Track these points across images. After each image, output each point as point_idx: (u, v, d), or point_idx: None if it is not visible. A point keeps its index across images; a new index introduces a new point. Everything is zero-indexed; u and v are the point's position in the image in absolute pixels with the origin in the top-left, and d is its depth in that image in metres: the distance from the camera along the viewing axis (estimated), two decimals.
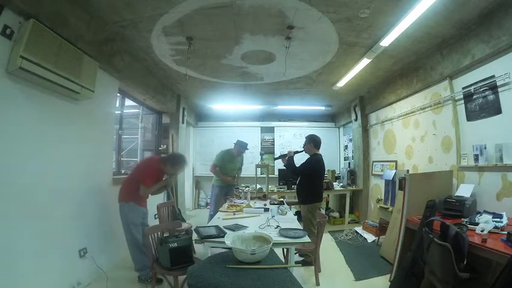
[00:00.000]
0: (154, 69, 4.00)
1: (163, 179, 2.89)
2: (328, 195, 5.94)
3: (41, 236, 2.16)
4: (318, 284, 2.68)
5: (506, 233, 1.77)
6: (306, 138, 3.54)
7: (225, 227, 2.28)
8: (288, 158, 3.45)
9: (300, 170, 3.37)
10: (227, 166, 4.23)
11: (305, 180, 3.37)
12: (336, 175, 6.40)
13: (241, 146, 4.25)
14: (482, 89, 2.68)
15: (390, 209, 4.00)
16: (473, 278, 1.66)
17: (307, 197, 3.32)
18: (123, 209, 2.71)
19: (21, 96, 2.02)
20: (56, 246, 2.30)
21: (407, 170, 3.89)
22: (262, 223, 2.46)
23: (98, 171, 2.96)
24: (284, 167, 3.61)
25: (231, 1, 2.41)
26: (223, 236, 2.02)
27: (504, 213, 2.16)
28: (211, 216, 4.18)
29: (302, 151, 3.54)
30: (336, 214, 5.55)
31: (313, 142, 3.43)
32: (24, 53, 1.85)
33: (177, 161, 2.78)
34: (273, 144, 7.29)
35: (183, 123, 5.64)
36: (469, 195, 2.56)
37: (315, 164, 3.35)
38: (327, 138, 7.31)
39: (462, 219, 2.28)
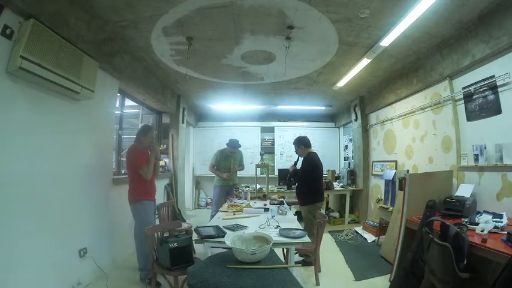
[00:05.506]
0: (154, 69, 4.00)
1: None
2: (328, 195, 5.93)
3: (41, 236, 2.16)
4: (318, 284, 2.68)
5: (506, 233, 1.77)
6: (294, 144, 3.55)
7: (225, 227, 2.28)
8: (292, 172, 3.49)
9: (303, 174, 3.37)
10: (221, 164, 4.48)
11: (304, 181, 3.36)
12: (336, 175, 6.40)
13: (233, 146, 4.44)
14: (482, 89, 2.68)
15: (390, 209, 3.99)
16: (473, 278, 1.66)
17: (307, 197, 3.31)
18: (137, 209, 2.74)
19: (21, 96, 2.02)
20: (56, 246, 2.30)
21: (407, 170, 3.89)
22: (262, 223, 2.46)
23: (98, 171, 2.95)
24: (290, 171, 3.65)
25: (231, 1, 2.41)
26: (223, 236, 2.02)
27: (504, 213, 2.16)
28: (212, 217, 4.27)
29: (297, 160, 3.53)
30: (336, 214, 5.55)
31: (303, 144, 3.45)
32: (24, 53, 1.85)
33: (144, 130, 2.91)
34: (273, 144, 7.29)
35: (183, 123, 5.64)
36: (469, 195, 2.56)
37: (312, 163, 3.35)
38: (327, 138, 7.34)
39: (462, 219, 2.28)
